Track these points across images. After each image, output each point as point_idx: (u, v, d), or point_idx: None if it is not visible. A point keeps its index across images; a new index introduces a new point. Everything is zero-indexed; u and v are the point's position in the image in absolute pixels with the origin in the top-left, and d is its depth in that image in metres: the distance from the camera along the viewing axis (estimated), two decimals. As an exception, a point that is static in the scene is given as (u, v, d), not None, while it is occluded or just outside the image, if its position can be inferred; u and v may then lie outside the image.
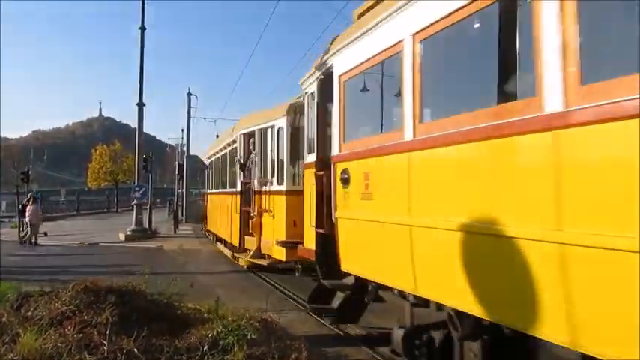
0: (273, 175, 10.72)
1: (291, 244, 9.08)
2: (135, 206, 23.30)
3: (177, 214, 28.55)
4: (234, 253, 13.40)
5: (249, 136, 12.19)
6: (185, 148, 40.06)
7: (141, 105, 23.39)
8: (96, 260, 14.77)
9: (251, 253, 11.57)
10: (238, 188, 12.49)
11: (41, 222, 21.20)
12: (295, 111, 10.07)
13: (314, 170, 7.10)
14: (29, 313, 5.23)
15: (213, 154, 18.42)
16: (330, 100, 6.63)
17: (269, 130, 11.06)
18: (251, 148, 11.88)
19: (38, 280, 8.00)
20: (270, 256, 10.78)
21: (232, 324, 4.89)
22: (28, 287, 6.71)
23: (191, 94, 39.90)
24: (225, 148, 15.45)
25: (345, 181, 5.76)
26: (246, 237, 12.01)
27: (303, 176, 8.31)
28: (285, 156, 10.28)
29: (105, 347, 4.27)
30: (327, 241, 6.41)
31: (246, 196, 11.96)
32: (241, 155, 12.43)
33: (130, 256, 15.01)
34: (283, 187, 10.17)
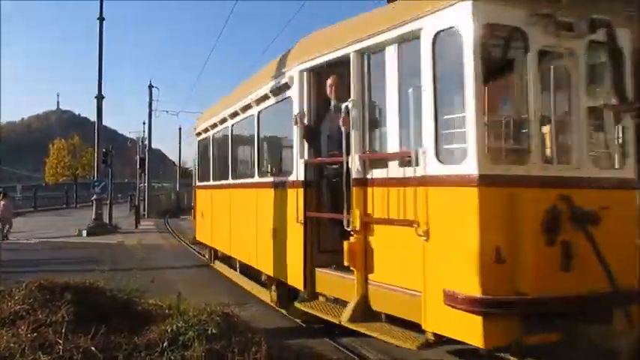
0: (418, 144, 4.74)
1: (499, 305, 4.14)
2: (94, 201, 22.77)
3: (138, 208, 28.07)
4: (298, 304, 6.45)
5: (320, 72, 6.44)
6: (147, 142, 39.34)
7: (100, 98, 22.84)
8: (53, 257, 14.38)
9: (349, 309, 5.39)
10: (298, 176, 6.46)
11: (13, 217, 20.62)
12: None
13: None
14: (-20, 314, 5.05)
15: (214, 125, 11.35)
16: None
17: (393, 49, 5.14)
18: (329, 94, 6.22)
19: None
20: (403, 323, 4.99)
21: (193, 319, 4.85)
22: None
23: (152, 87, 39.21)
24: (248, 107, 8.62)
25: None
26: (318, 271, 6.19)
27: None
28: (471, 97, 4.31)
29: (60, 346, 4.17)
30: None
31: (322, 189, 6.35)
32: (304, 111, 6.47)
33: (89, 252, 14.64)
34: (472, 170, 4.24)
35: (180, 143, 56.52)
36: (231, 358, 4.13)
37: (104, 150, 24.12)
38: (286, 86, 6.90)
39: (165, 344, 4.44)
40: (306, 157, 6.39)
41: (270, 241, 7.29)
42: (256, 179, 8.23)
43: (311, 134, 6.43)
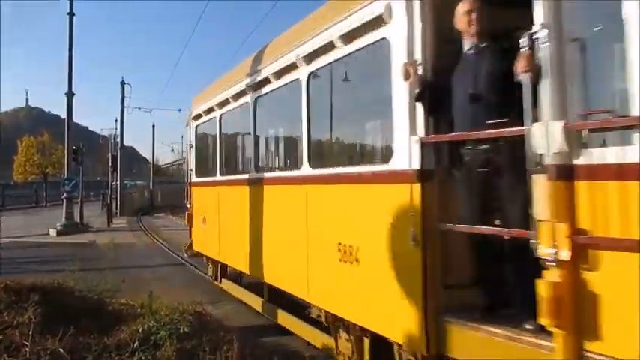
0: None
1: None
2: (65, 200, 22.32)
3: (110, 207, 27.62)
4: None
5: None
6: (119, 139, 38.76)
7: (70, 95, 22.34)
8: (22, 257, 14.05)
9: None
10: (411, 163, 3.80)
11: None
12: None
13: None
14: (-58, 317, 4.92)
15: (224, 103, 8.28)
16: None
17: None
18: (465, 28, 3.73)
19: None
20: None
21: (165, 318, 4.82)
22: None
23: (125, 83, 38.56)
24: (290, 69, 5.92)
25: None
26: (449, 322, 3.59)
27: None
28: None
29: (27, 348, 4.09)
30: None
31: (455, 186, 3.82)
32: (416, 58, 3.85)
33: (59, 252, 14.38)
34: None
35: (153, 140, 56.01)
36: (203, 356, 4.11)
37: (74, 148, 23.66)
38: (377, 23, 4.28)
39: (136, 344, 4.40)
40: (421, 132, 3.81)
41: (337, 264, 4.67)
42: (306, 171, 5.49)
43: (433, 94, 3.82)
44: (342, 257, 4.63)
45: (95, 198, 49.29)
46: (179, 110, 43.36)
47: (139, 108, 42.60)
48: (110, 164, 37.25)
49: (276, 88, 6.37)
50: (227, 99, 8.02)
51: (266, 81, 6.56)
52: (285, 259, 5.96)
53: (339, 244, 4.65)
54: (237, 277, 8.77)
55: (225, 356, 4.05)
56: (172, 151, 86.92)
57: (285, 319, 6.59)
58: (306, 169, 5.51)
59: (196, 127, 10.31)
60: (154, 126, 54.64)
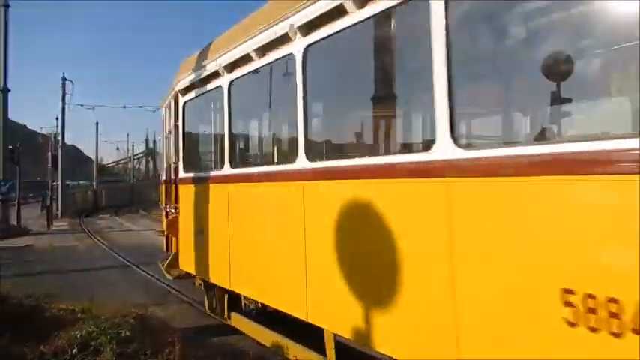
0: None
1: None
2: (0, 202, 21.28)
3: (50, 208, 26.49)
4: None
5: None
6: (60, 138, 37.29)
7: (5, 90, 21.30)
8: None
9: None
10: None
11: None
12: None
13: None
14: None
15: (238, 63, 5.36)
16: None
17: None
18: None
19: None
20: None
21: (106, 322, 4.68)
22: None
23: (66, 79, 37.08)
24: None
25: None
26: None
27: None
28: None
29: (-46, 359, 3.88)
30: None
31: None
32: None
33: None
34: None
35: (97, 139, 54.13)
36: (144, 360, 4.02)
37: (11, 147, 22.58)
38: None
39: (74, 350, 4.25)
40: None
41: (559, 329, 2.38)
42: (445, 154, 2.96)
43: None
44: (575, 318, 2.34)
45: (34, 200, 47.26)
46: (124, 107, 42.23)
47: (82, 105, 41.13)
48: (50, 164, 35.77)
49: (356, 24, 3.66)
50: (247, 55, 5.15)
51: (337, 14, 3.80)
52: (390, 302, 3.38)
53: (566, 290, 2.37)
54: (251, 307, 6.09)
55: (167, 358, 3.97)
56: (117, 149, 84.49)
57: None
58: (444, 150, 2.96)
59: (185, 103, 7.15)
60: (97, 124, 52.83)
